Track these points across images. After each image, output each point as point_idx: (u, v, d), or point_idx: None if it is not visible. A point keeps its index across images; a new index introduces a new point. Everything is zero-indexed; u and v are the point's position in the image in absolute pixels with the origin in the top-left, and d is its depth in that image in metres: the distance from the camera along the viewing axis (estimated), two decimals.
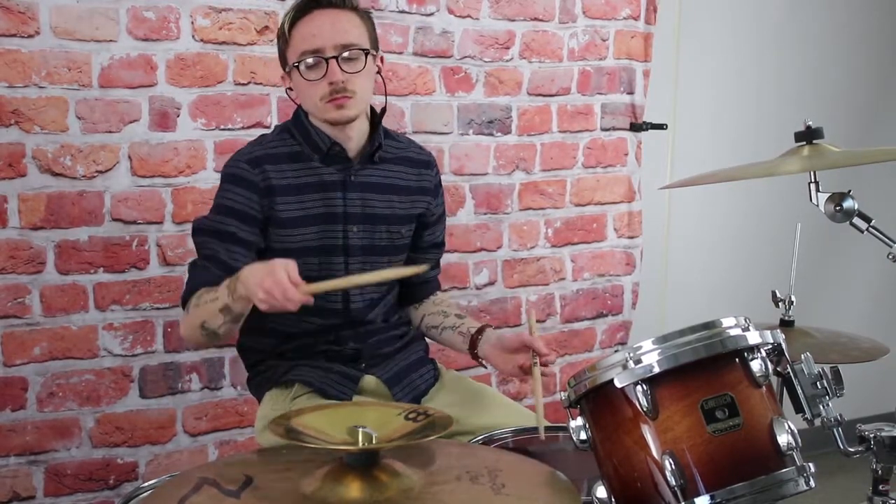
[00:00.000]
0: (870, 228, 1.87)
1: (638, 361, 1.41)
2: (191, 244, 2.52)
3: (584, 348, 3.23)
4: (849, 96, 3.72)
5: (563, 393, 1.52)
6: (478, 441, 1.89)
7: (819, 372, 1.51)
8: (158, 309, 2.54)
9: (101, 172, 2.44)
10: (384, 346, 2.12)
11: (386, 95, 2.12)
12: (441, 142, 2.89)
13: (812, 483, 1.42)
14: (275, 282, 1.70)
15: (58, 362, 2.44)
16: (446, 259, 2.39)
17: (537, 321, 3.06)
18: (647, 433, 1.40)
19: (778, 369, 1.50)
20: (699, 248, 3.51)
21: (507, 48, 2.98)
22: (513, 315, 3.09)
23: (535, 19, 3.01)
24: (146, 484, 1.70)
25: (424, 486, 1.25)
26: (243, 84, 2.59)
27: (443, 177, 2.28)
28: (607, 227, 3.24)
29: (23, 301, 2.39)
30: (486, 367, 2.13)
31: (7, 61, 2.32)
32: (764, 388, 1.44)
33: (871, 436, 1.65)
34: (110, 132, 2.44)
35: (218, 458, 2.63)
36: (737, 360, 1.44)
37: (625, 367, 1.42)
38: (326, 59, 1.94)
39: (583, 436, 1.48)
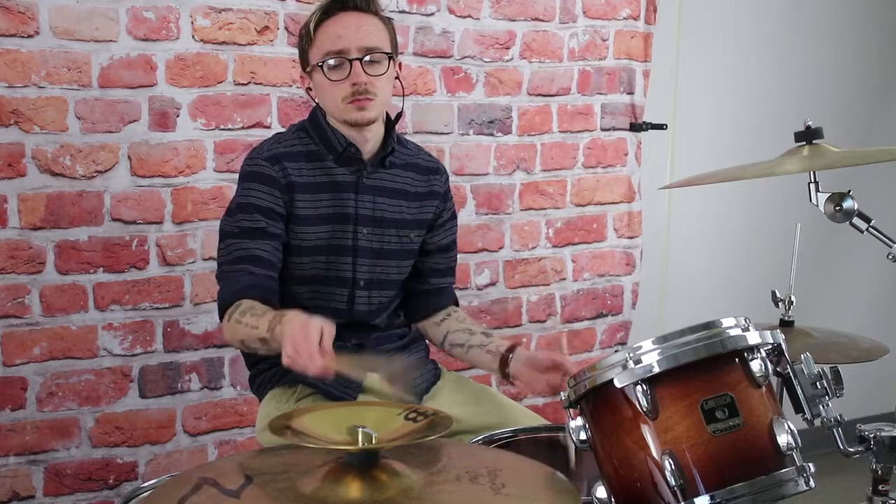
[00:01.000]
0: (870, 228, 1.87)
1: (638, 361, 1.41)
2: (191, 244, 2.56)
3: (584, 348, 3.23)
4: (849, 96, 3.72)
5: (562, 393, 1.52)
6: (478, 441, 1.89)
7: (819, 372, 1.51)
8: (158, 309, 2.54)
9: (100, 172, 2.44)
10: (386, 343, 2.13)
11: (403, 99, 2.13)
12: (441, 142, 2.89)
13: (812, 483, 1.42)
14: (306, 341, 1.67)
15: (57, 362, 2.44)
16: None
17: (539, 321, 3.06)
18: (647, 433, 1.40)
19: (778, 369, 1.50)
20: (699, 248, 3.51)
21: (508, 48, 2.98)
22: (513, 315, 3.09)
23: (536, 19, 3.01)
24: (146, 484, 1.69)
25: (424, 486, 1.25)
26: (243, 84, 2.59)
27: None
28: (607, 227, 3.24)
29: (23, 301, 2.39)
30: (515, 386, 2.12)
31: (7, 61, 2.32)
32: (764, 388, 1.44)
33: (871, 436, 1.65)
34: (110, 132, 2.44)
35: (218, 458, 2.62)
36: (737, 360, 1.44)
37: (625, 367, 1.42)
38: (350, 61, 1.96)
39: (583, 436, 1.48)
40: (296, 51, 2.11)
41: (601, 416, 1.46)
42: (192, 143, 2.54)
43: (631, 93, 3.21)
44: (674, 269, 3.43)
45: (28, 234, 2.38)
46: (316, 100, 2.07)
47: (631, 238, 3.28)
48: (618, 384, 1.41)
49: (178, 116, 2.52)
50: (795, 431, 1.41)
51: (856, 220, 1.87)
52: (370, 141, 2.06)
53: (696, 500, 1.37)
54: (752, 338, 1.45)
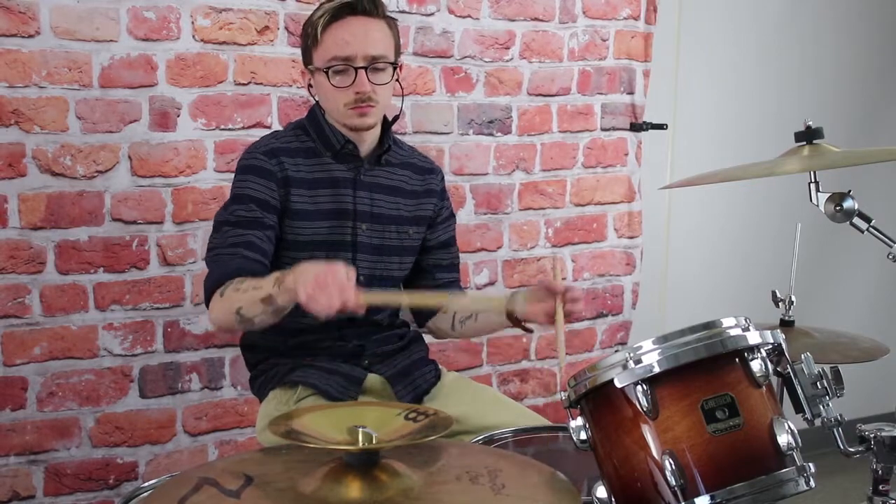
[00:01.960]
0: (870, 228, 1.87)
1: (638, 361, 1.41)
2: (191, 244, 2.56)
3: (585, 348, 3.23)
4: (849, 96, 3.72)
5: (563, 393, 1.52)
6: (478, 441, 1.89)
7: (819, 372, 1.51)
8: (158, 309, 2.54)
9: (101, 172, 2.44)
10: (386, 343, 2.13)
11: (402, 100, 2.14)
12: (441, 142, 2.90)
13: (812, 483, 1.42)
14: (334, 276, 1.68)
15: (58, 362, 2.44)
16: None
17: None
18: (647, 433, 1.40)
19: (778, 369, 1.50)
20: (699, 248, 3.51)
21: (508, 48, 2.98)
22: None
23: (536, 19, 3.01)
24: (146, 484, 1.69)
25: (424, 486, 1.25)
26: (243, 84, 2.59)
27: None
28: (607, 227, 3.24)
29: (23, 301, 2.39)
30: (530, 330, 2.11)
31: (7, 61, 2.32)
32: (764, 388, 1.44)
33: (871, 436, 1.65)
34: (110, 132, 2.44)
35: (218, 458, 2.62)
36: (737, 360, 1.44)
37: (625, 367, 1.42)
38: (356, 69, 1.96)
39: (583, 436, 1.48)
40: (296, 51, 2.12)
41: (601, 416, 1.46)
42: (193, 143, 2.54)
43: (631, 93, 3.21)
44: (674, 269, 3.43)
45: (28, 233, 2.38)
46: (315, 97, 2.08)
47: (631, 238, 3.28)
48: (618, 384, 1.41)
49: (178, 116, 2.52)
50: (796, 431, 1.41)
51: (856, 220, 1.87)
52: (367, 140, 2.08)
53: (696, 500, 1.37)
54: (753, 338, 1.45)
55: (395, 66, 2.03)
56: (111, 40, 2.42)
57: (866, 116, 3.75)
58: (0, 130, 2.33)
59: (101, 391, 2.49)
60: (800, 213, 2.24)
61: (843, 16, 3.72)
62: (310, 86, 2.08)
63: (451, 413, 1.38)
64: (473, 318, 2.17)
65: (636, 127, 3.23)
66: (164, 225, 2.53)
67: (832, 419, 1.50)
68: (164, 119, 2.50)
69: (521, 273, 3.09)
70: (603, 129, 3.18)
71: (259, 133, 2.55)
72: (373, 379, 2.08)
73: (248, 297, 1.86)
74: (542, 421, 2.09)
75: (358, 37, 1.97)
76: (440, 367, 2.22)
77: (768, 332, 1.48)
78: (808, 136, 1.96)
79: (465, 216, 2.96)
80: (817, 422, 1.51)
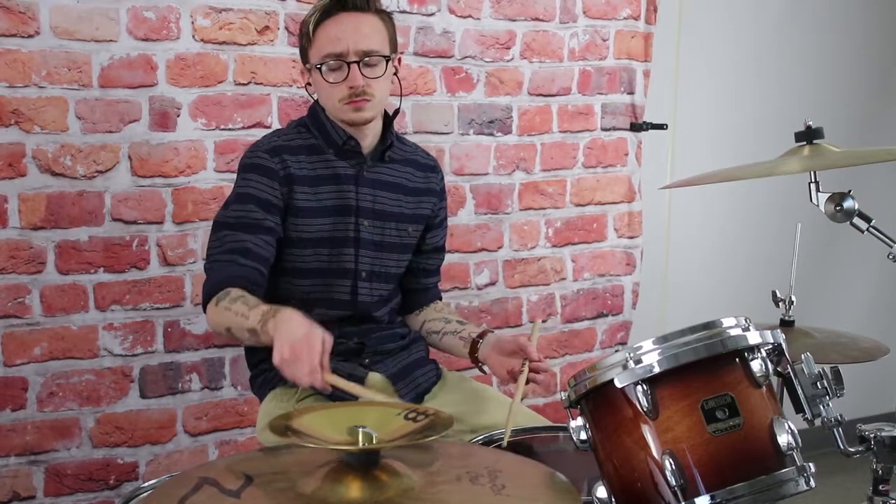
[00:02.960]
0: (870, 228, 1.87)
1: (638, 361, 1.41)
2: (191, 244, 2.55)
3: (585, 348, 3.23)
4: (849, 96, 3.72)
5: (563, 393, 1.52)
6: (478, 441, 1.88)
7: (819, 372, 1.51)
8: (159, 309, 2.54)
9: (101, 172, 2.44)
10: (387, 342, 2.13)
11: (401, 96, 2.15)
12: (441, 142, 2.90)
13: (812, 483, 1.42)
14: (310, 352, 1.67)
15: (58, 362, 2.44)
16: (447, 259, 2.39)
17: (542, 321, 3.05)
18: (648, 433, 1.40)
19: (778, 369, 1.50)
20: (699, 248, 3.51)
21: (508, 48, 2.98)
22: (514, 315, 3.09)
23: (536, 19, 3.01)
24: (146, 484, 1.69)
25: (424, 486, 1.25)
26: (243, 84, 2.59)
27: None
28: (607, 227, 3.24)
29: (23, 301, 2.39)
30: (485, 372, 2.14)
31: (7, 61, 2.32)
32: (764, 388, 1.44)
33: (871, 436, 1.65)
34: (110, 132, 2.44)
35: (218, 458, 2.62)
36: (737, 360, 1.44)
37: (625, 367, 1.42)
38: (348, 64, 1.97)
39: (583, 436, 1.48)
40: (296, 51, 2.12)
41: (601, 416, 1.46)
42: (193, 143, 2.54)
43: (631, 93, 3.21)
44: (674, 269, 3.43)
45: (28, 234, 2.38)
46: (315, 96, 2.09)
47: (631, 238, 3.28)
48: (618, 384, 1.41)
49: (178, 116, 2.52)
50: (796, 431, 1.41)
51: (856, 220, 1.87)
52: (369, 136, 2.09)
53: (696, 500, 1.37)
54: (753, 338, 1.45)
55: (390, 59, 2.03)
56: (111, 40, 2.42)
57: (866, 116, 3.75)
58: (0, 130, 2.33)
59: (102, 391, 2.49)
60: (800, 213, 2.24)
61: (843, 16, 3.72)
62: (309, 84, 2.09)
63: (452, 412, 1.38)
64: (439, 336, 2.19)
65: (636, 127, 3.23)
66: (165, 225, 2.53)
67: (832, 419, 1.50)
68: (164, 119, 2.50)
69: (522, 273, 3.09)
70: (603, 129, 3.18)
71: (259, 133, 2.54)
72: (374, 377, 2.08)
73: (236, 322, 1.86)
74: (542, 421, 2.09)
75: (349, 32, 1.98)
76: (440, 366, 2.23)
77: (768, 332, 1.48)
78: (809, 136, 1.96)
79: (466, 216, 2.96)
80: (817, 422, 1.51)
